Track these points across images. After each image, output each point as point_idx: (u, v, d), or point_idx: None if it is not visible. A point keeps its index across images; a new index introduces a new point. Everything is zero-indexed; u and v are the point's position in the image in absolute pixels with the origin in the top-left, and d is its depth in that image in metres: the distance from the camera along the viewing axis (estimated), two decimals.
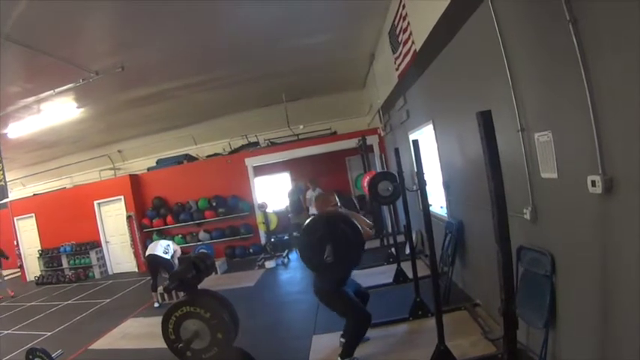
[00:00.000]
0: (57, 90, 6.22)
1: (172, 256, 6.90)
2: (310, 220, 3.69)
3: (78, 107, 7.50)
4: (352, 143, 10.24)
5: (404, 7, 5.15)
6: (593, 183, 2.10)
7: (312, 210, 9.62)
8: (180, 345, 2.68)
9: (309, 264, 3.64)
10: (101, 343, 5.46)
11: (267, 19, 5.77)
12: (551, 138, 2.50)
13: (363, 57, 8.53)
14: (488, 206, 3.72)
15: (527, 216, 2.94)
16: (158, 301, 6.74)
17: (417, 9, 4.73)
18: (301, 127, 11.03)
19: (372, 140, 10.24)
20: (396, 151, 4.60)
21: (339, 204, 4.01)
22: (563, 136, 2.41)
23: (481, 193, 4.00)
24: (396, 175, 5.07)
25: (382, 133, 9.76)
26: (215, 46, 6.42)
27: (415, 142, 3.16)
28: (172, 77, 7.46)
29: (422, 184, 3.15)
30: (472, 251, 4.54)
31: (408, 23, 5.15)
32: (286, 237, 10.33)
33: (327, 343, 4.23)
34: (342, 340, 3.88)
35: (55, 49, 5.10)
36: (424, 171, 3.37)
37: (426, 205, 3.44)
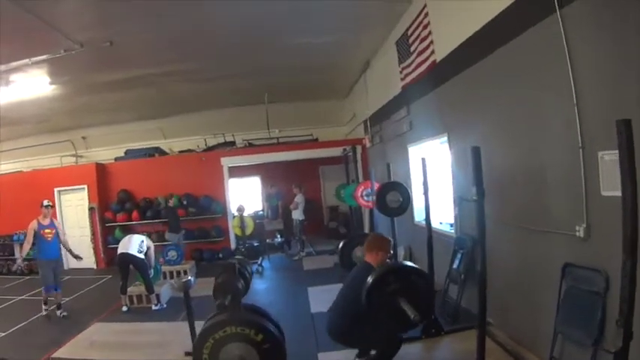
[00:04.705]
0: (33, 59, 5.62)
1: (147, 255, 6.31)
2: (380, 270, 2.99)
3: (50, 83, 6.88)
4: (335, 151, 10.06)
5: (426, 15, 5.06)
6: None
7: (296, 215, 9.34)
8: None
9: (376, 331, 3.06)
10: (66, 352, 4.69)
11: (266, 12, 5.58)
12: None
13: (357, 64, 8.42)
14: (517, 222, 3.70)
15: (581, 233, 2.87)
16: (127, 305, 6.06)
17: (446, 18, 4.63)
18: (277, 130, 10.77)
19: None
20: (423, 160, 4.41)
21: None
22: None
23: (507, 209, 3.95)
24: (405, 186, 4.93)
25: (368, 144, 9.63)
26: (207, 33, 6.13)
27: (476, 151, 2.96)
28: (157, 62, 7.06)
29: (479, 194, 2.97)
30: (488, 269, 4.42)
31: (430, 32, 5.06)
32: (256, 244, 9.88)
33: None
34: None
35: (39, 7, 4.49)
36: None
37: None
